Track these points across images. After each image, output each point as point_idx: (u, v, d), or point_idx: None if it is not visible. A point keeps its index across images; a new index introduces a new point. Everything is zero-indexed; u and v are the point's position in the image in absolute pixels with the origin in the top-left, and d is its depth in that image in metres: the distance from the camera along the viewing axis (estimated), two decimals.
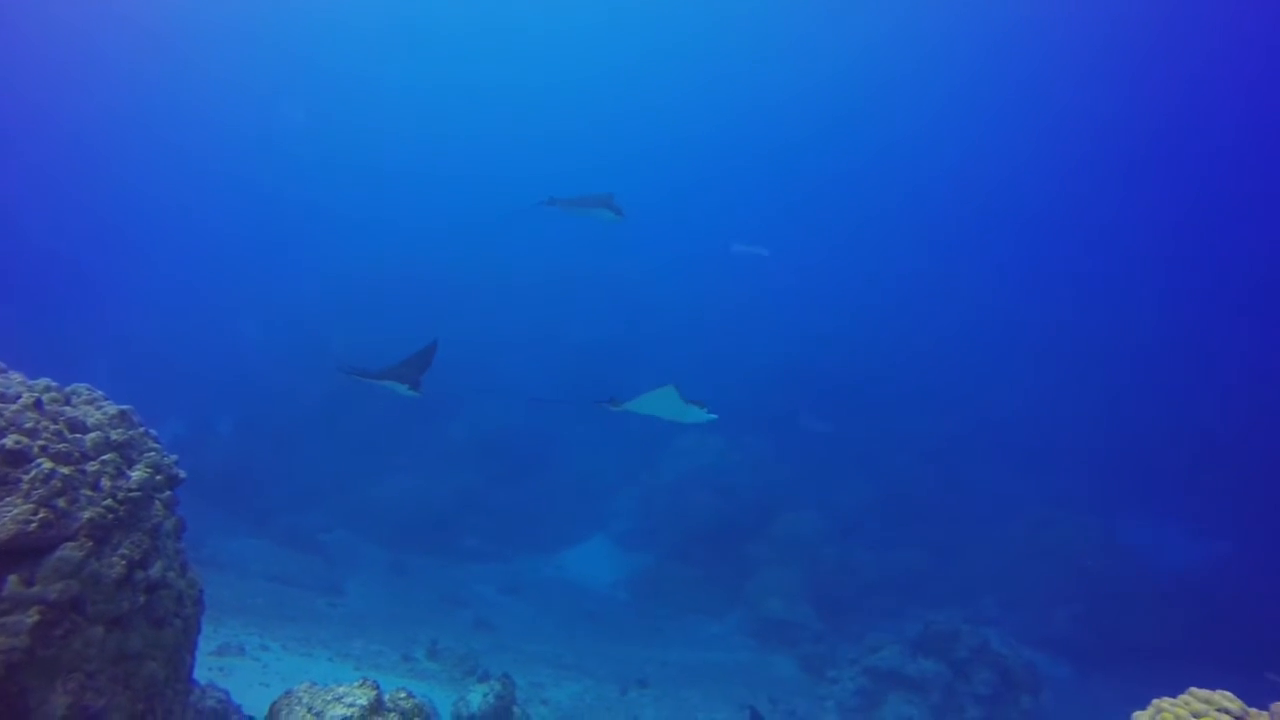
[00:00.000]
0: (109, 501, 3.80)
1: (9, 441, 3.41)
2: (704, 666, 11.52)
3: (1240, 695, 2.33)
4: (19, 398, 3.72)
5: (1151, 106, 28.08)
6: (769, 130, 36.05)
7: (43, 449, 3.60)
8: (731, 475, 15.33)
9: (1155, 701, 2.49)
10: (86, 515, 3.62)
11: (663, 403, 6.54)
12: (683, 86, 35.65)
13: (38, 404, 3.77)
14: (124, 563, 3.76)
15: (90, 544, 3.56)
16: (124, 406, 4.43)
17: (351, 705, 4.21)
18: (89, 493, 3.77)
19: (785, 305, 24.68)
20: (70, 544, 3.48)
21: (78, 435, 3.96)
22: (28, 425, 3.60)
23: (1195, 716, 2.27)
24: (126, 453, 4.18)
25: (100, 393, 4.51)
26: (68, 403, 4.19)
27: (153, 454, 4.37)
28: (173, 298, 21.66)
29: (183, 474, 4.49)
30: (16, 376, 4.02)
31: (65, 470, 3.61)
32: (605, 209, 7.81)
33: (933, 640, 10.80)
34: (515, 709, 7.36)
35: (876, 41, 30.57)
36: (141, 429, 4.47)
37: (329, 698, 4.28)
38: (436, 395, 16.83)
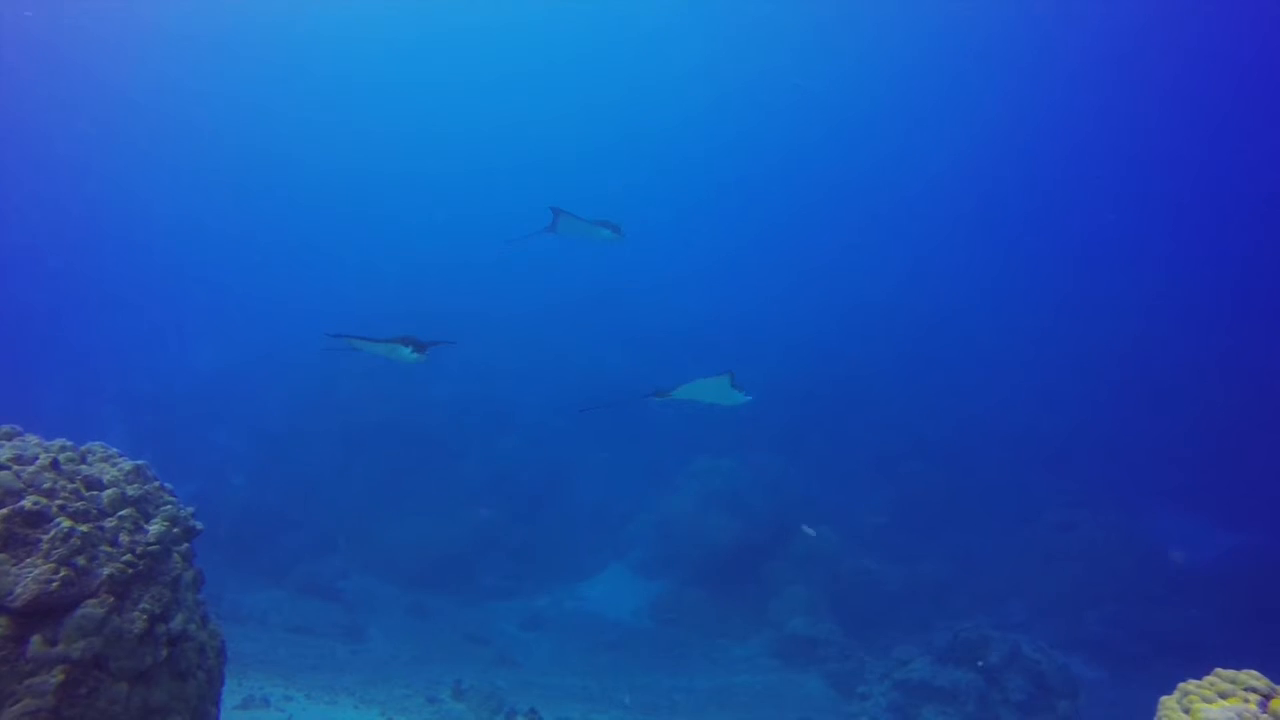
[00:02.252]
0: (128, 557, 3.84)
1: (28, 503, 3.46)
2: (732, 690, 11.36)
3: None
4: (36, 459, 3.78)
5: (1171, 96, 27.79)
6: (764, 136, 36.19)
7: (61, 508, 3.65)
8: (746, 495, 15.24)
9: (1181, 685, 2.49)
10: (106, 571, 3.65)
11: (714, 389, 6.96)
12: (678, 94, 35.37)
13: (55, 464, 3.83)
14: (145, 617, 3.79)
15: (111, 600, 3.59)
16: (139, 461, 4.48)
17: None
18: (108, 549, 3.80)
19: (787, 317, 24.66)
20: (91, 601, 3.51)
21: (95, 492, 4.00)
22: (46, 485, 3.66)
23: (1222, 696, 2.26)
24: (143, 507, 4.22)
25: (115, 450, 4.57)
26: (84, 461, 4.25)
27: (169, 507, 4.41)
28: (180, 349, 21.85)
29: (200, 526, 4.53)
30: (33, 438, 4.08)
31: (84, 528, 3.65)
32: (605, 228, 7.92)
33: (962, 649, 10.63)
34: None
35: (872, 42, 30.52)
36: (157, 483, 4.51)
37: None
38: (447, 433, 16.90)
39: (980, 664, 10.36)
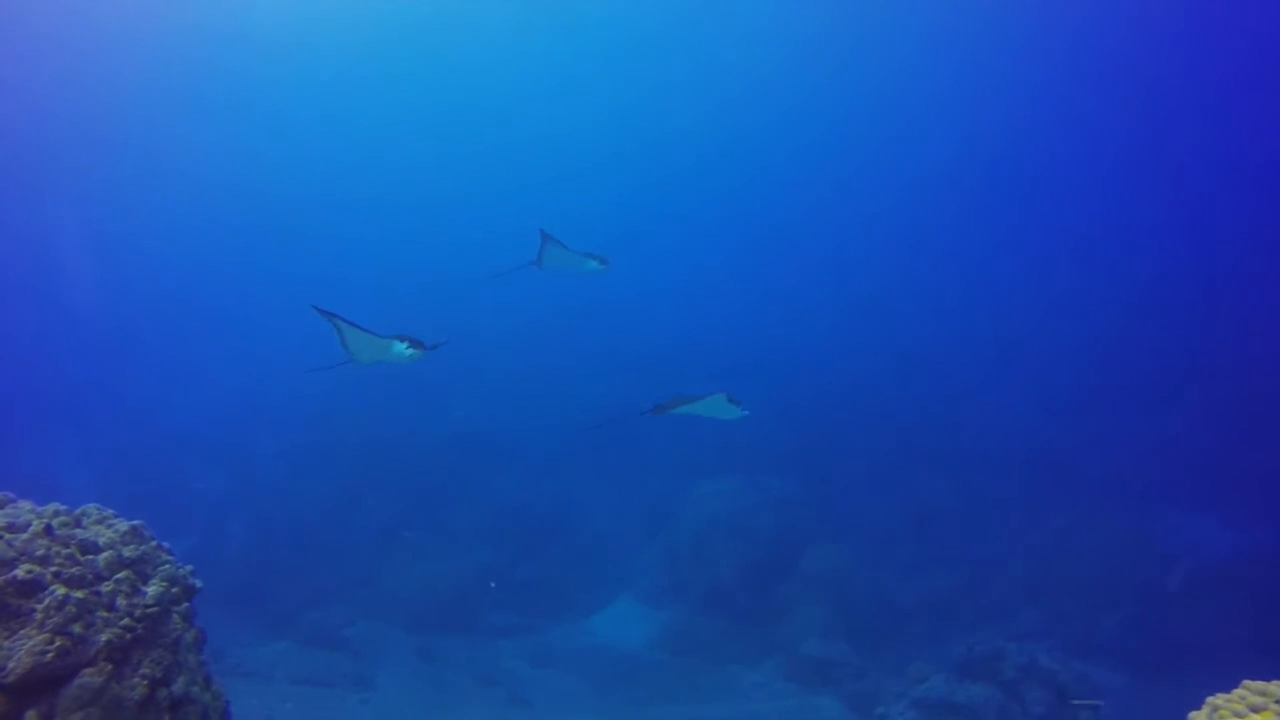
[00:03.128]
0: (126, 621, 3.76)
1: (20, 572, 3.39)
2: (749, 718, 11.16)
3: None
4: (29, 526, 3.72)
5: (1178, 81, 27.58)
6: (752, 144, 36.12)
7: (56, 575, 3.58)
8: (752, 518, 15.13)
9: (1210, 700, 2.42)
10: (104, 638, 3.58)
11: (710, 404, 6.97)
12: (666, 102, 35.09)
13: (48, 530, 3.76)
14: (145, 683, 3.70)
15: (109, 667, 3.51)
16: (134, 522, 4.42)
17: None
18: (105, 614, 3.73)
19: (781, 332, 24.63)
20: (89, 670, 3.42)
21: (90, 556, 3.94)
22: (39, 553, 3.59)
23: (1253, 710, 2.20)
24: (140, 569, 4.15)
25: (110, 511, 4.51)
26: (78, 525, 4.18)
27: (166, 566, 4.34)
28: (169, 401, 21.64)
29: (199, 584, 4.46)
30: (25, 505, 4.02)
31: (79, 594, 3.58)
32: (591, 259, 7.93)
33: (977, 663, 10.49)
34: None
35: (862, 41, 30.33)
36: (154, 543, 4.45)
37: None
38: (446, 473, 16.75)
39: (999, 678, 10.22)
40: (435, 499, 16.31)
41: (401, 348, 5.97)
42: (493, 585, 14.35)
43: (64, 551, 3.76)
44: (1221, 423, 18.07)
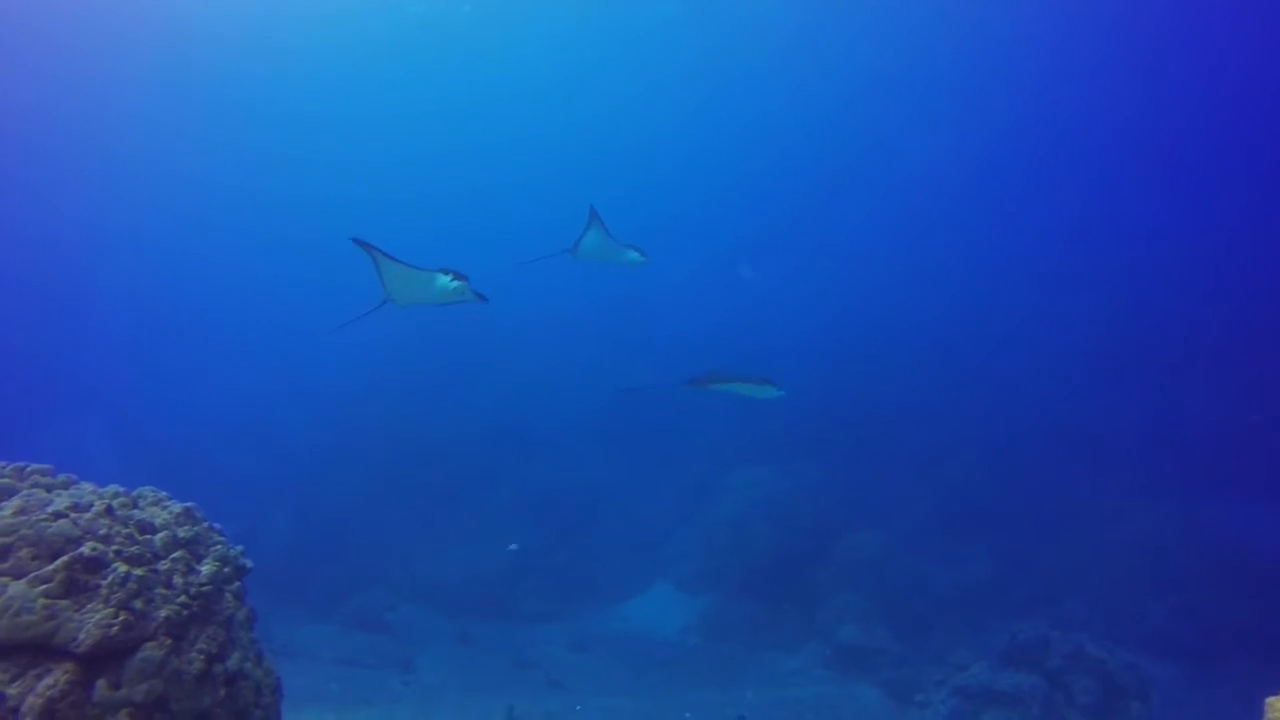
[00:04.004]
0: (183, 598, 3.87)
1: (86, 549, 3.51)
2: (787, 704, 11.15)
3: None
4: (91, 506, 3.84)
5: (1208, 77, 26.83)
6: (769, 134, 35.78)
7: (117, 553, 3.70)
8: (787, 505, 15.06)
9: (1269, 701, 2.32)
10: (163, 614, 3.69)
11: (747, 385, 7.13)
12: (678, 95, 34.71)
13: (109, 510, 3.89)
14: (202, 658, 3.81)
15: (169, 642, 3.62)
16: (187, 504, 4.55)
17: None
18: (163, 591, 3.84)
19: (812, 319, 24.40)
20: (150, 644, 3.54)
21: (148, 536, 4.06)
22: (102, 532, 3.71)
23: None
24: (194, 548, 4.27)
25: (165, 493, 4.65)
26: (135, 506, 4.32)
27: (219, 547, 4.46)
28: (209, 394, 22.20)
29: (249, 564, 4.57)
30: (87, 486, 4.16)
31: (139, 571, 3.70)
32: (631, 250, 7.85)
33: (1021, 651, 10.33)
34: None
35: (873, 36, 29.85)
36: (206, 524, 4.57)
37: None
38: (482, 459, 16.96)
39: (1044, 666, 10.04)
40: (471, 485, 16.53)
41: (446, 280, 5.65)
42: (513, 547, 14.37)
43: (124, 531, 3.89)
44: (1273, 407, 17.48)
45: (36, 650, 3.30)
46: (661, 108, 36.08)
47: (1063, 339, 22.40)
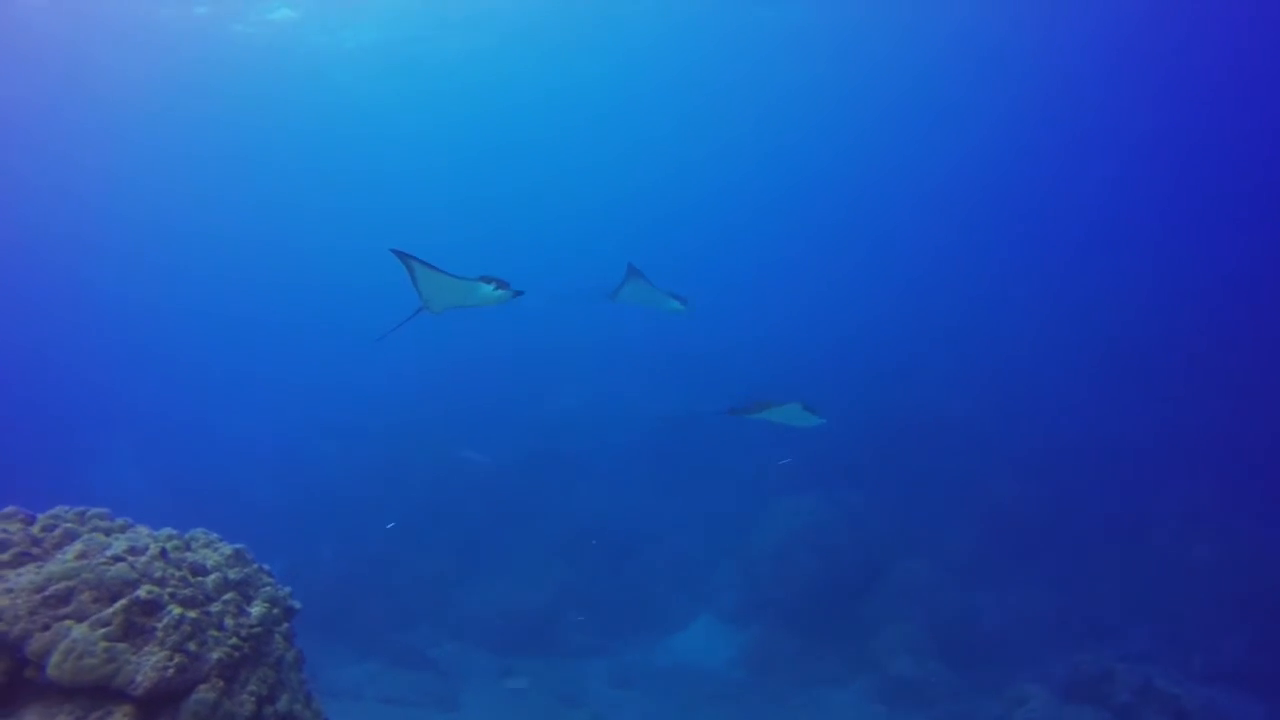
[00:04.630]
0: (234, 640, 3.92)
1: (143, 592, 3.59)
2: None
3: None
4: (146, 549, 3.94)
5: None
6: (796, 146, 35.37)
7: (172, 595, 3.77)
8: (831, 534, 14.75)
9: None
10: (215, 655, 3.74)
11: (787, 412, 7.14)
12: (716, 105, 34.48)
13: (163, 553, 3.97)
14: (253, 700, 3.84)
15: (221, 684, 3.66)
16: (238, 545, 4.63)
17: None
18: (215, 633, 3.90)
19: (848, 339, 24.04)
20: (204, 686, 3.58)
21: (200, 578, 4.14)
22: (157, 574, 3.79)
23: None
24: (244, 590, 4.34)
25: (215, 535, 4.74)
26: (188, 548, 4.41)
27: (268, 588, 4.52)
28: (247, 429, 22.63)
29: (298, 605, 4.62)
30: (143, 529, 4.27)
31: (193, 614, 3.76)
32: (673, 299, 7.80)
33: (1084, 684, 9.90)
34: None
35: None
36: (255, 565, 4.65)
37: None
38: (521, 492, 17.00)
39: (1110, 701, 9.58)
40: (513, 518, 16.54)
41: (489, 289, 5.60)
42: (581, 620, 14.33)
43: (178, 574, 3.97)
44: None
45: (97, 692, 3.36)
46: (691, 131, 36.22)
47: (1110, 348, 21.48)
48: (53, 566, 3.66)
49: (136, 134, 31.42)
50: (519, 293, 5.78)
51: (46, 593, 3.53)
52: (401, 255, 5.49)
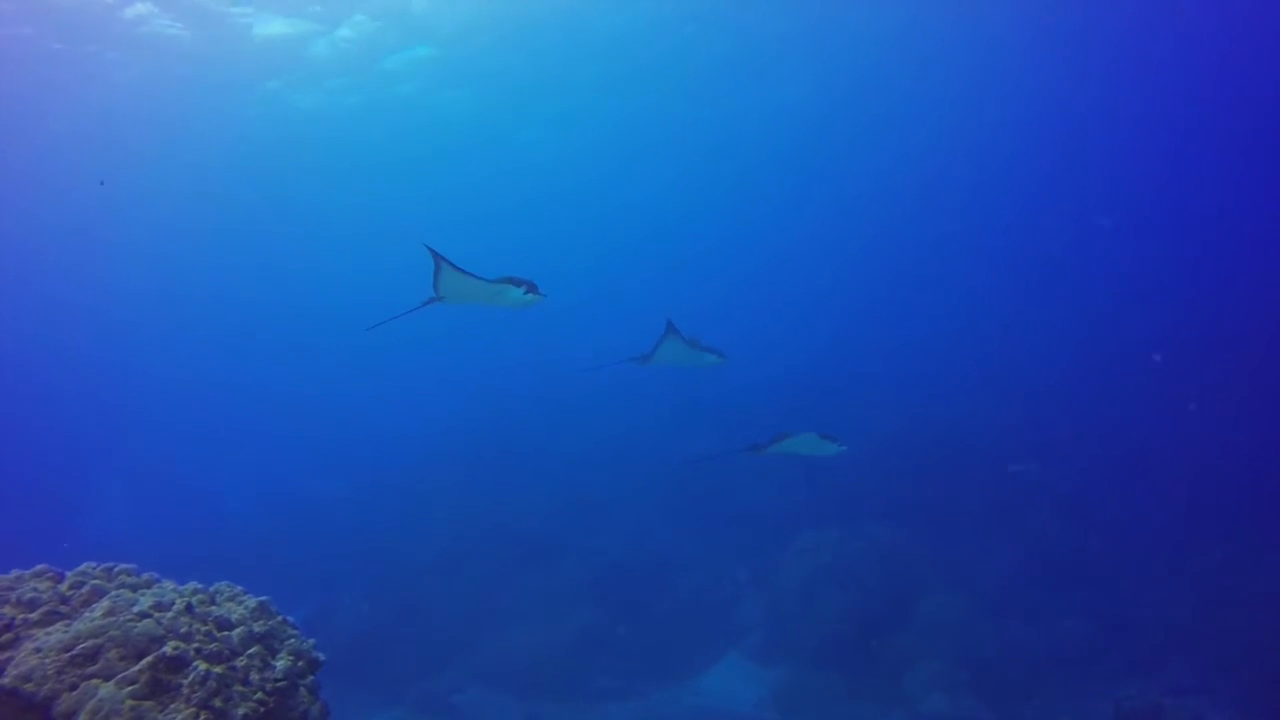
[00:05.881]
0: (259, 695, 3.90)
1: (169, 649, 3.59)
2: None
3: None
4: (172, 604, 3.95)
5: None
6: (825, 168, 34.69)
7: (197, 651, 3.77)
8: (858, 567, 14.48)
9: None
10: (241, 712, 3.72)
11: (806, 442, 7.21)
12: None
13: (189, 608, 3.99)
14: None
15: None
16: (261, 598, 4.64)
17: None
18: (240, 688, 3.89)
19: (869, 369, 23.77)
20: None
21: (225, 632, 4.14)
22: (183, 630, 3.80)
23: None
24: (269, 643, 4.33)
25: (240, 588, 4.75)
26: (213, 602, 4.42)
27: (293, 641, 4.51)
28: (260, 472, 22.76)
29: (322, 657, 4.60)
30: (169, 584, 4.29)
31: (218, 669, 3.75)
32: (709, 353, 7.70)
33: None
34: None
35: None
36: (280, 618, 4.64)
37: None
38: (543, 534, 16.92)
39: None
40: (534, 559, 16.42)
41: (518, 292, 5.52)
42: (623, 633, 14.02)
43: (203, 629, 3.97)
44: None
45: None
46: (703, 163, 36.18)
47: (1145, 371, 20.74)
48: (80, 625, 3.68)
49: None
50: (542, 294, 5.73)
51: (74, 651, 3.54)
52: (434, 254, 5.36)
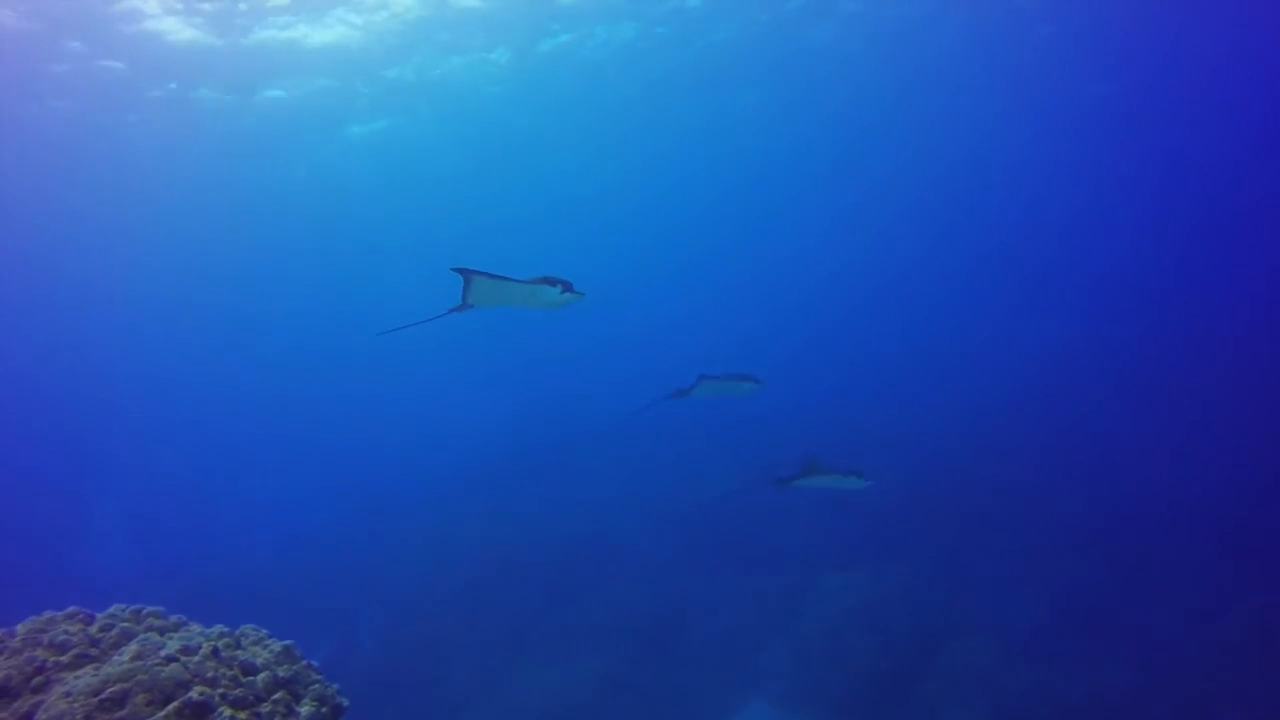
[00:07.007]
0: None
1: (195, 694, 3.60)
2: None
3: None
4: (199, 648, 3.96)
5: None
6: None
7: (223, 696, 3.77)
8: (884, 610, 14.14)
9: None
10: None
11: (832, 479, 7.33)
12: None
13: (215, 652, 4.00)
14: None
15: None
16: (286, 642, 4.63)
17: None
18: None
19: (886, 407, 23.44)
20: None
21: (250, 677, 4.14)
22: (209, 674, 3.80)
23: None
24: (294, 688, 4.31)
25: (265, 631, 4.76)
26: (239, 646, 4.42)
27: (316, 685, 4.49)
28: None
29: (346, 703, 4.57)
30: (196, 627, 4.31)
31: (243, 716, 3.74)
32: (745, 382, 7.77)
33: None
34: None
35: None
36: (304, 662, 4.63)
37: None
38: (563, 577, 16.79)
39: None
40: (558, 601, 16.26)
41: (554, 292, 5.35)
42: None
43: (229, 674, 3.97)
44: None
45: None
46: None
47: (1185, 398, 20.07)
48: (109, 668, 3.70)
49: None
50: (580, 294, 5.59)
51: (102, 695, 3.55)
52: (463, 271, 5.20)
